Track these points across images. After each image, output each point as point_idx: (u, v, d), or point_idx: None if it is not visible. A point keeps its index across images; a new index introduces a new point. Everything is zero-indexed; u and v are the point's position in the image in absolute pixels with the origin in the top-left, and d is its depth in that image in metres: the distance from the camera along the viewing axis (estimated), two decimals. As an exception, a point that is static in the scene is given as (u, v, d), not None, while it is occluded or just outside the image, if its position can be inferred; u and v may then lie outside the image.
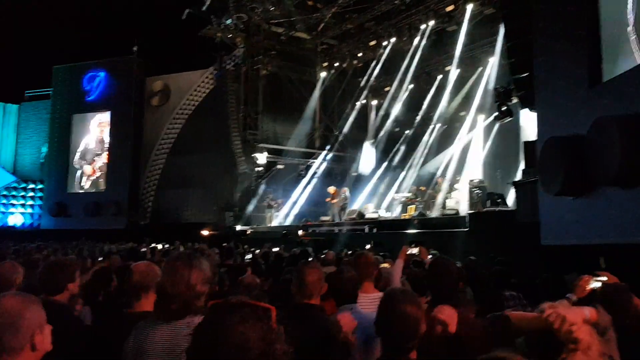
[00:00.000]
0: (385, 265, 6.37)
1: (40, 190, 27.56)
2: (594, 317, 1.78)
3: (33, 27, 28.25)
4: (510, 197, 13.61)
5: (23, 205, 27.74)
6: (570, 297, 3.41)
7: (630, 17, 7.12)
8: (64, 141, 26.61)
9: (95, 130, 26.40)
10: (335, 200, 18.76)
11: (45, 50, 27.71)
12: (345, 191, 19.29)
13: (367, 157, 23.20)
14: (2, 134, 28.65)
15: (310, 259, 8.45)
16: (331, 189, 19.16)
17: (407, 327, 2.22)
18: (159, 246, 13.68)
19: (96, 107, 26.21)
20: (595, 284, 3.33)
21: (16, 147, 28.83)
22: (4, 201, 27.44)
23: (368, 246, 12.41)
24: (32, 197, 27.84)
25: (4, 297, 1.87)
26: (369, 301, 3.58)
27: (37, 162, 28.27)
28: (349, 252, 9.86)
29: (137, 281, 2.87)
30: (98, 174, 26.17)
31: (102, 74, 26.19)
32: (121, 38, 26.15)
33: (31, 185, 27.87)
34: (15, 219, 27.47)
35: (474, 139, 19.05)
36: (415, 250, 5.62)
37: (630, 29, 7.02)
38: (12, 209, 27.53)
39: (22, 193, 27.79)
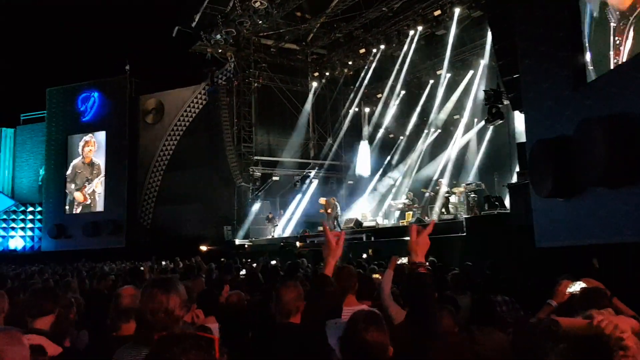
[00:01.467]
0: (376, 276, 6.34)
1: (39, 212, 27.56)
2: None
3: (25, 49, 28.37)
4: (508, 199, 13.61)
5: (23, 228, 27.74)
6: (550, 302, 3.40)
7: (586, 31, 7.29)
8: (61, 163, 26.64)
9: (83, 152, 26.41)
10: (329, 210, 18.78)
11: (39, 72, 27.84)
12: (334, 200, 19.33)
13: (364, 158, 23.18)
14: (0, 159, 28.70)
15: (298, 272, 8.46)
16: (322, 200, 19.19)
17: (371, 354, 2.20)
18: (163, 262, 13.69)
19: (91, 127, 26.26)
20: (573, 288, 3.33)
21: (14, 171, 28.88)
22: (4, 225, 27.46)
23: (365, 255, 12.41)
24: (31, 220, 27.84)
25: None
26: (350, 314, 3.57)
27: (35, 185, 28.30)
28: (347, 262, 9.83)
29: (127, 305, 2.89)
30: (89, 200, 26.15)
31: (95, 94, 26.26)
32: (113, 58, 26.29)
33: (30, 209, 27.88)
34: (16, 243, 27.47)
35: (469, 143, 19.08)
36: (405, 260, 5.60)
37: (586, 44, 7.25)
38: (12, 233, 27.53)
39: (22, 216, 27.81)
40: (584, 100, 7.24)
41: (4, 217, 27.44)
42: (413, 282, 2.40)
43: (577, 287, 3.33)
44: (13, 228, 27.58)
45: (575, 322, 2.21)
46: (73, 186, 26.41)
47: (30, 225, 27.80)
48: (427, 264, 2.49)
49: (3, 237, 27.31)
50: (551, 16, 8.02)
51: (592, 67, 7.37)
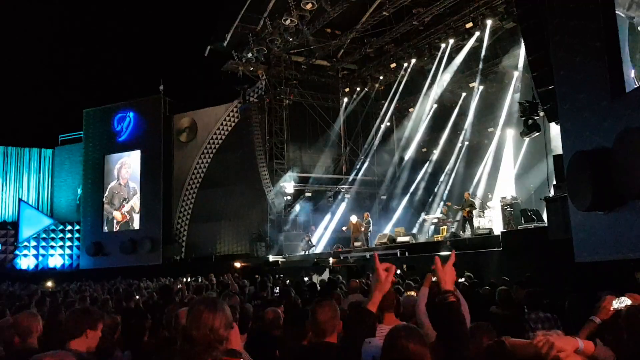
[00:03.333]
0: (411, 293, 6.23)
1: (77, 231, 28.19)
2: (590, 350, 1.74)
3: (62, 72, 29.27)
4: (546, 213, 13.30)
5: (62, 247, 28.38)
6: (593, 319, 3.26)
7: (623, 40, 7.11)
8: (98, 182, 27.24)
9: (120, 174, 26.95)
10: (363, 228, 18.70)
11: (76, 94, 28.67)
12: (367, 216, 19.20)
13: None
14: (39, 179, 29.57)
15: (337, 289, 8.39)
16: (353, 219, 19.01)
17: None
18: (200, 279, 13.80)
19: (127, 147, 26.80)
20: (618, 304, 3.18)
21: (52, 191, 29.67)
22: (44, 244, 28.14)
23: (399, 271, 12.27)
24: (70, 239, 28.46)
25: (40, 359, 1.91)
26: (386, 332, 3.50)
27: (73, 204, 28.97)
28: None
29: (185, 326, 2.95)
30: (128, 217, 26.63)
31: (131, 114, 26.83)
32: (147, 78, 26.89)
33: (68, 227, 28.53)
34: (55, 261, 28.12)
35: (504, 155, 18.76)
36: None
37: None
38: (51, 251, 28.20)
39: (60, 235, 28.45)
40: (623, 111, 7.02)
41: (44, 235, 28.14)
42: (443, 312, 2.36)
43: (622, 303, 3.18)
44: (52, 247, 28.25)
45: (519, 342, 2.18)
46: (110, 207, 26.95)
47: (68, 243, 28.42)
48: (457, 291, 2.43)
49: (43, 255, 27.99)
50: (587, 26, 7.84)
51: (633, 77, 7.16)
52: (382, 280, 2.54)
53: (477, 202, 17.76)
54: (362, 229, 18.63)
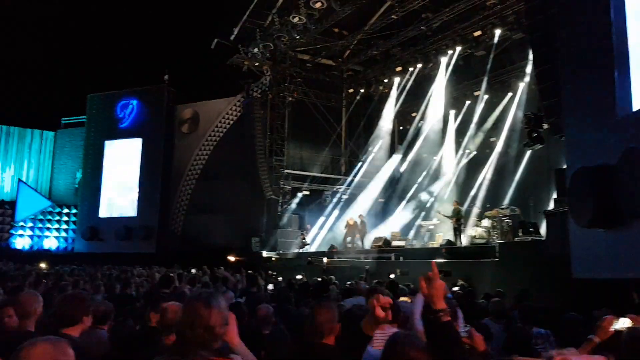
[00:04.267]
0: (405, 299, 6.18)
1: (74, 214, 28.16)
2: None
3: (69, 56, 29.15)
4: (544, 226, 13.27)
5: (58, 229, 28.36)
6: (592, 338, 3.24)
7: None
8: (97, 167, 27.20)
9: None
10: (358, 231, 18.71)
11: (81, 79, 28.57)
12: (362, 217, 19.16)
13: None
14: (39, 160, 29.54)
15: (327, 292, 8.35)
16: (350, 221, 18.98)
17: None
18: (193, 270, 13.77)
19: (128, 133, 26.75)
20: (618, 325, 3.16)
21: (52, 173, 29.65)
22: (40, 225, 28.12)
23: (392, 275, 12.24)
24: (66, 222, 28.45)
25: (34, 345, 1.88)
26: (384, 338, 3.47)
27: (71, 188, 28.96)
28: (375, 282, 9.70)
29: (170, 319, 2.92)
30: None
31: (134, 102, 26.78)
32: (152, 67, 26.79)
33: (65, 210, 28.51)
34: (50, 243, 28.10)
35: (505, 166, 18.73)
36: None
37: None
38: (47, 233, 28.17)
39: (57, 217, 28.44)
40: (629, 129, 7.00)
41: (40, 217, 28.12)
42: (438, 333, 2.26)
43: (622, 324, 3.16)
44: (48, 228, 28.23)
45: None
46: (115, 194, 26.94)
47: (64, 226, 28.41)
48: (449, 310, 2.32)
49: (38, 236, 27.96)
50: (596, 42, 7.82)
51: None
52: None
53: (474, 211, 17.75)
54: (358, 231, 18.59)
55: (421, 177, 21.69)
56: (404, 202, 21.63)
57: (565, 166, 9.92)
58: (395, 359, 2.21)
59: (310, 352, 2.98)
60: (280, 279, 12.56)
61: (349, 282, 10.06)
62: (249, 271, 14.14)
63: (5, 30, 27.35)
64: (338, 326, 3.08)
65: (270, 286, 9.37)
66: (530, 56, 14.61)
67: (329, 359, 2.94)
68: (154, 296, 5.84)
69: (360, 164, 23.71)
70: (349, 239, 18.91)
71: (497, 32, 17.33)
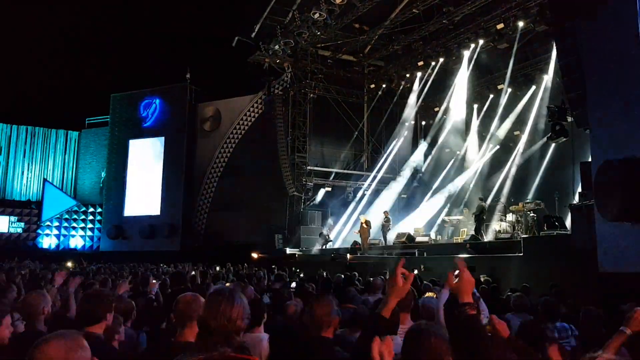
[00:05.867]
0: (431, 294, 6.16)
1: (99, 214, 28.61)
2: None
3: (92, 57, 29.63)
4: (569, 220, 13.06)
5: (83, 228, 28.85)
6: (624, 329, 3.21)
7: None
8: (122, 166, 27.59)
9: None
10: (385, 222, 18.57)
11: (105, 79, 29.01)
12: (387, 214, 19.00)
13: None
14: (64, 160, 30.06)
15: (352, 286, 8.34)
16: (362, 219, 18.76)
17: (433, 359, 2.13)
18: (217, 268, 13.90)
19: (152, 133, 27.07)
20: None
21: (77, 173, 30.15)
22: (66, 224, 28.63)
23: (416, 271, 12.16)
24: (91, 221, 28.93)
25: (47, 342, 1.88)
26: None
27: (96, 187, 29.43)
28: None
29: (181, 311, 2.93)
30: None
31: (157, 101, 27.08)
32: (174, 66, 27.08)
33: (91, 209, 28.98)
34: (76, 242, 28.60)
35: (530, 160, 18.49)
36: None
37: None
38: (73, 232, 28.67)
39: (82, 217, 28.93)
40: (657, 120, 6.86)
41: (66, 216, 28.63)
42: (463, 327, 2.27)
43: None
44: (74, 227, 28.73)
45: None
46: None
47: (90, 225, 28.90)
48: (475, 304, 2.34)
49: (64, 235, 28.47)
50: (622, 32, 7.66)
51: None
52: (398, 286, 2.48)
53: (499, 206, 17.55)
54: (385, 223, 18.41)
55: (444, 172, 21.51)
56: (427, 197, 21.47)
57: (590, 159, 9.78)
58: (416, 346, 2.19)
59: (309, 346, 3.01)
60: (302, 275, 12.58)
61: (371, 278, 10.03)
62: (273, 266, 14.27)
63: (29, 33, 27.90)
64: (337, 320, 3.11)
65: (293, 284, 9.38)
66: (554, 48, 14.40)
67: (327, 352, 2.95)
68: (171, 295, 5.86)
69: (382, 159, 23.59)
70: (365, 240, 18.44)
71: (520, 24, 17.04)
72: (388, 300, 2.48)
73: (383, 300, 2.55)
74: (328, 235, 20.17)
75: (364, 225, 18.14)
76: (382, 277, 9.93)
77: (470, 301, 2.30)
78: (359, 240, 18.46)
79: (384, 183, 23.15)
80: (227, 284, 8.91)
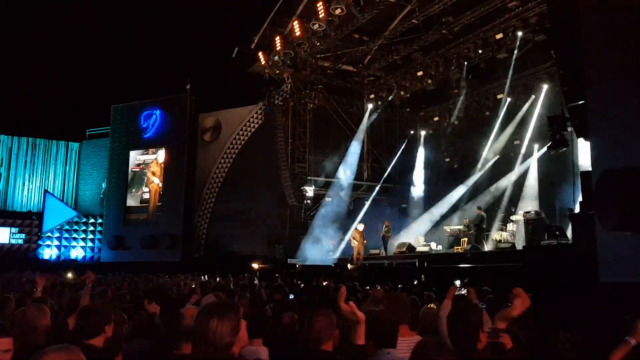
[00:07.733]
0: (432, 306, 6.13)
1: (100, 224, 28.60)
2: None
3: (93, 68, 29.76)
4: (570, 230, 13.04)
5: (84, 239, 28.82)
6: (629, 340, 3.23)
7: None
8: (122, 177, 27.64)
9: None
10: (385, 233, 18.56)
11: (105, 90, 29.12)
12: (388, 224, 18.97)
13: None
14: (65, 171, 30.11)
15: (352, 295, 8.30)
16: (360, 227, 18.65)
17: None
18: (218, 279, 13.87)
19: (152, 144, 27.13)
20: None
21: (77, 183, 30.18)
22: (66, 235, 28.60)
23: (416, 282, 12.14)
24: (92, 232, 28.90)
25: (45, 354, 1.89)
26: (407, 345, 3.44)
27: (97, 198, 29.46)
28: (399, 286, 9.62)
29: (187, 325, 2.94)
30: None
31: (157, 112, 27.15)
32: (174, 77, 27.19)
33: (91, 220, 28.97)
34: (77, 252, 28.57)
35: (529, 169, 18.50)
36: (463, 292, 5.39)
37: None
38: (73, 243, 28.64)
39: (83, 227, 28.90)
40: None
41: (67, 227, 28.61)
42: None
43: None
44: (74, 238, 28.70)
45: None
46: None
47: (90, 236, 28.87)
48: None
49: (65, 246, 28.43)
50: (622, 41, 7.69)
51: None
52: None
53: (499, 216, 17.54)
54: (364, 241, 18.20)
55: (445, 182, 21.50)
56: (427, 207, 21.45)
57: (590, 169, 9.78)
58: None
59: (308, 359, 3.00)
60: (302, 286, 12.54)
61: (367, 287, 10.01)
62: (277, 274, 14.23)
63: (30, 44, 28.04)
64: (336, 332, 3.10)
65: (291, 296, 9.33)
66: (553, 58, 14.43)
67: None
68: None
69: (382, 169, 23.59)
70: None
71: (519, 34, 17.10)
72: (357, 332, 2.55)
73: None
74: (329, 245, 20.15)
75: (355, 236, 18.04)
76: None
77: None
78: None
79: (383, 193, 23.13)
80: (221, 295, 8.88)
